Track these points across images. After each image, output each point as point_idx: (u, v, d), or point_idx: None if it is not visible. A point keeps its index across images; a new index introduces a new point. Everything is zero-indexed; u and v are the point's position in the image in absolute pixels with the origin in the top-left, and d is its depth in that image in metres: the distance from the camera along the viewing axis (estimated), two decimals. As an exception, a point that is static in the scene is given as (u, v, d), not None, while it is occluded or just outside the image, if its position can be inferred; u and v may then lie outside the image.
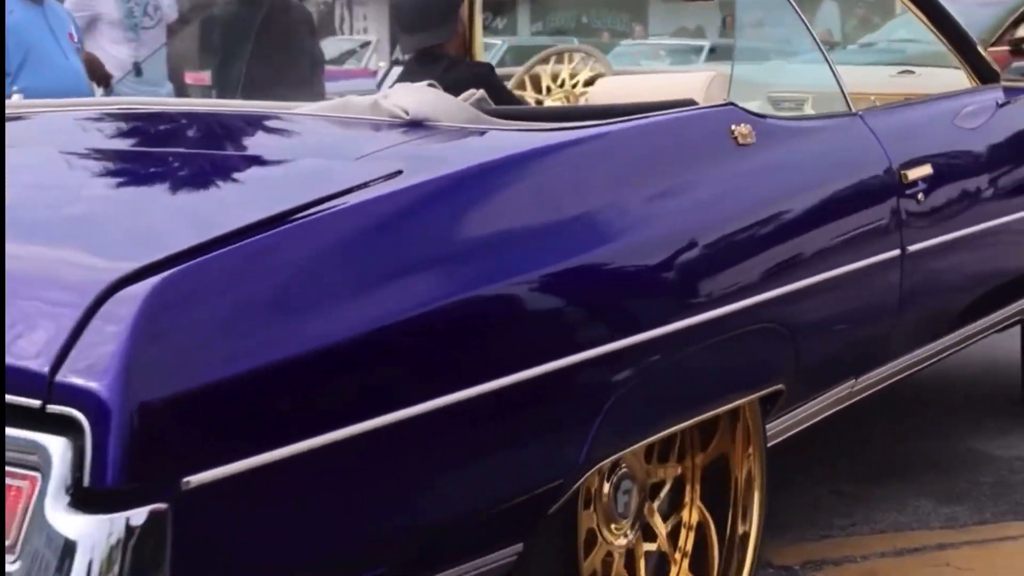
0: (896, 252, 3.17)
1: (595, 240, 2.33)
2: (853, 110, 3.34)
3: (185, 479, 1.71)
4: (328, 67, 20.00)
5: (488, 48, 16.34)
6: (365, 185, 2.12)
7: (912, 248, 3.22)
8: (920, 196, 3.30)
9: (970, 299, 3.72)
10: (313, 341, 1.86)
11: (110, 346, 1.69)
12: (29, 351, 1.73)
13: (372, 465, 1.95)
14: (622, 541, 2.61)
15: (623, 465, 2.58)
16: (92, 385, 1.67)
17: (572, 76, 4.52)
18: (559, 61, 4.62)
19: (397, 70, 4.69)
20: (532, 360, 2.14)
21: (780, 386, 2.84)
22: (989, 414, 4.59)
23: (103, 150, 2.75)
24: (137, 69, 6.13)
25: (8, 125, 2.82)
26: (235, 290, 1.84)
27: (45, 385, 1.70)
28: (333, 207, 2.03)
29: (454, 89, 2.79)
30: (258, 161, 2.57)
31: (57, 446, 1.68)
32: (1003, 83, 4.12)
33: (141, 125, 2.97)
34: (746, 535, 2.84)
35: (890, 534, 3.57)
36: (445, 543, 2.12)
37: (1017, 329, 4.44)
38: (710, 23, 12.96)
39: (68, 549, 1.65)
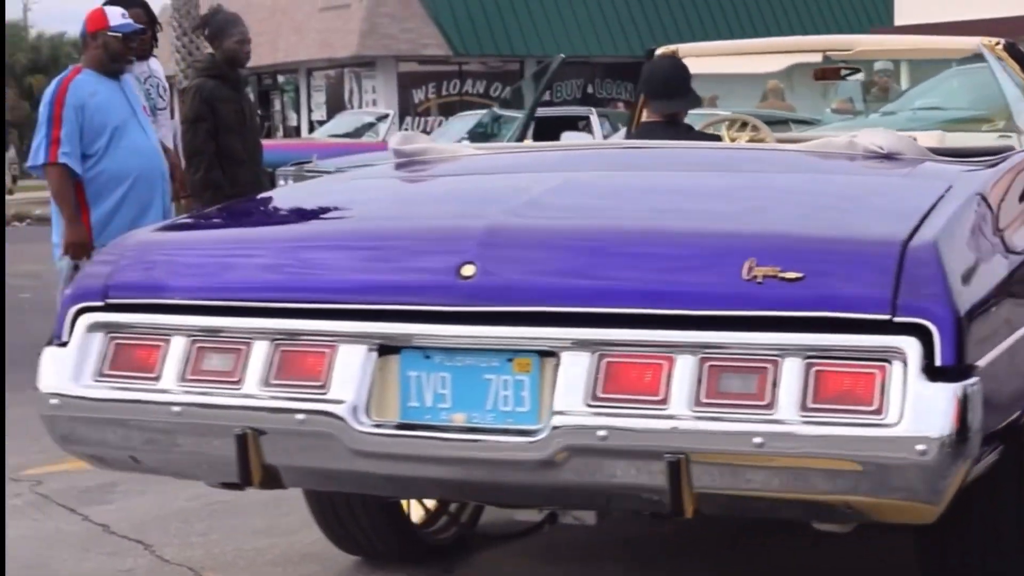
0: None
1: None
2: None
3: (971, 362, 2.77)
4: (345, 139, 19.82)
5: (509, 121, 15.30)
6: (946, 190, 3.18)
7: None
8: None
9: None
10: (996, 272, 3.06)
11: (932, 275, 2.77)
12: (866, 288, 2.78)
13: None
14: None
15: None
16: (936, 303, 2.74)
17: (732, 140, 5.65)
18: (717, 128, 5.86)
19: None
20: None
21: None
22: None
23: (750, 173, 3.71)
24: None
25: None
26: (957, 236, 2.99)
27: (889, 305, 2.74)
28: (962, 199, 3.15)
29: None
30: (839, 175, 3.61)
31: (912, 343, 2.72)
32: None
33: (734, 157, 4.03)
34: None
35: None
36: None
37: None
38: (729, 93, 12.78)
39: (935, 402, 2.69)
